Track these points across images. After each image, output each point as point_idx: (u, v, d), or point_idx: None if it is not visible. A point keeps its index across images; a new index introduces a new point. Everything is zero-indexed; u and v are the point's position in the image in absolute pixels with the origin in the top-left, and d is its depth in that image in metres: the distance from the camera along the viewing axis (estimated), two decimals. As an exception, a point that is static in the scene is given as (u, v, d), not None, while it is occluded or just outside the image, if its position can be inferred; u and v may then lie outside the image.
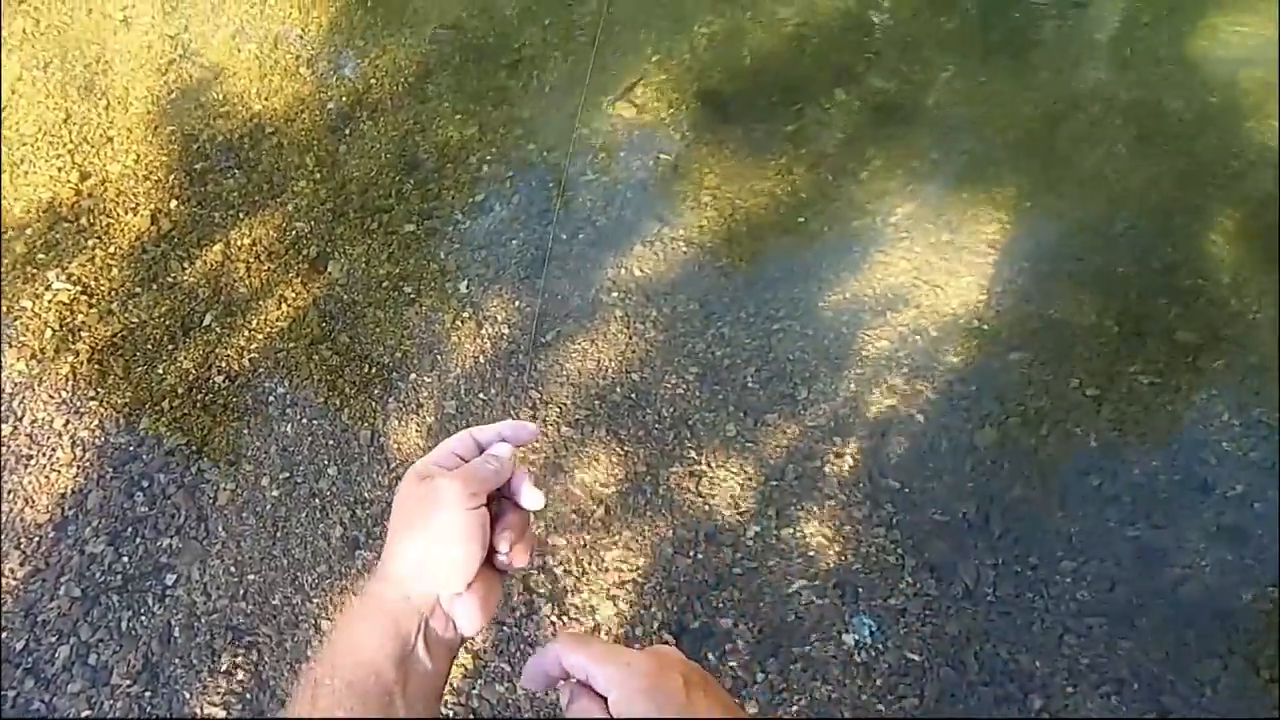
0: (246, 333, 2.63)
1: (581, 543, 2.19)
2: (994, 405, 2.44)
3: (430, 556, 0.63)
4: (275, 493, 2.28)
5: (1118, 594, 2.12)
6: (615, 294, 2.65)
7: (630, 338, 2.55)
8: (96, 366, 2.54)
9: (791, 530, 2.23)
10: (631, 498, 2.26)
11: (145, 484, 2.26)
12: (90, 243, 2.82)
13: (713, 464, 2.32)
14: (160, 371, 2.52)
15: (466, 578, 0.63)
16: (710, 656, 2.01)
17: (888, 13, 3.37)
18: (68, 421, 2.42)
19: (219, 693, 1.96)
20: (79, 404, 2.46)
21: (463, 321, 2.62)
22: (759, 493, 2.28)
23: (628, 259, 2.72)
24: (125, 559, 2.13)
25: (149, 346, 2.58)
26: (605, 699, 0.55)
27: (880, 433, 2.39)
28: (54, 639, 2.00)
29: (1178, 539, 2.20)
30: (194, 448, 2.34)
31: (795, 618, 2.09)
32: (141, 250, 2.81)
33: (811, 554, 2.19)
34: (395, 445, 2.38)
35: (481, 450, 0.69)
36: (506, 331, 2.59)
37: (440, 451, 0.68)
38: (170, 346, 2.58)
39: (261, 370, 2.55)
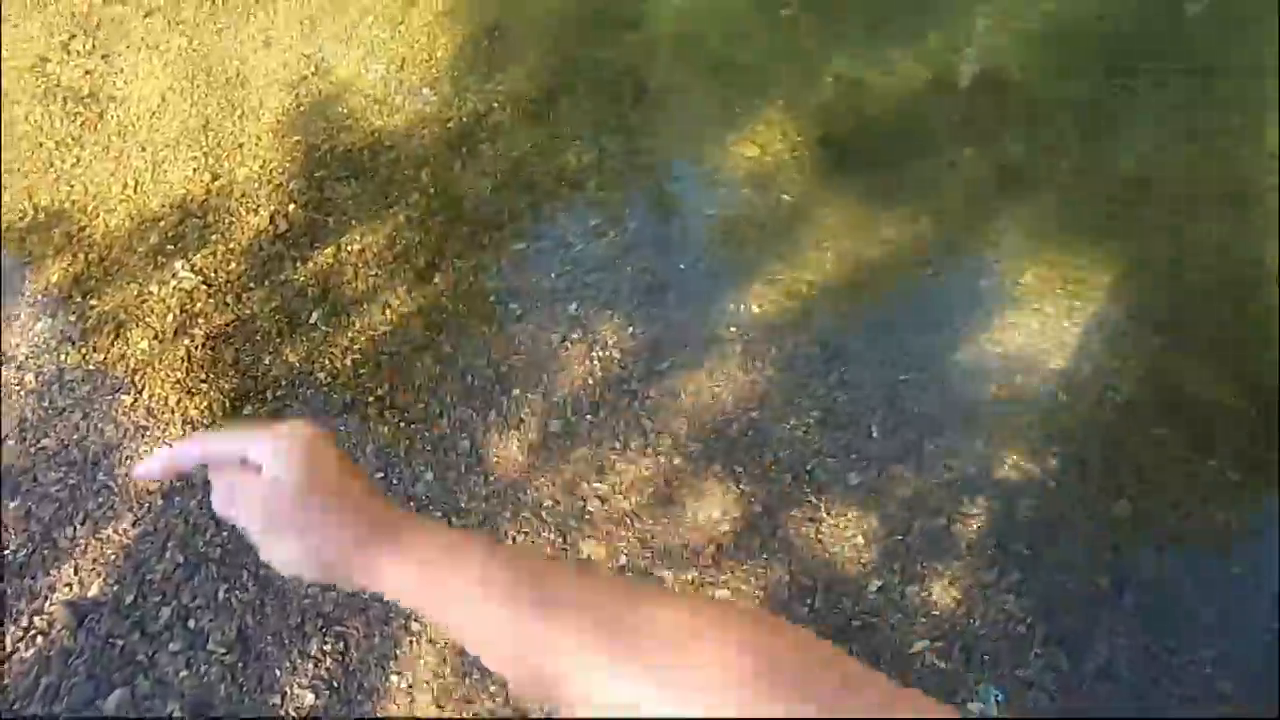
0: (351, 334, 2.59)
1: (690, 578, 2.04)
2: (1129, 479, 2.27)
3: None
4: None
5: (1260, 689, 1.92)
6: (733, 328, 2.55)
7: (748, 374, 2.44)
8: (210, 352, 2.54)
9: (916, 588, 2.06)
10: (746, 538, 2.11)
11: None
12: (214, 238, 2.87)
13: (833, 512, 2.17)
14: (267, 363, 2.49)
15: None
16: None
17: (1020, 73, 3.33)
18: (180, 400, 2.42)
19: (307, 675, 1.90)
20: (192, 385, 2.45)
21: (571, 343, 2.55)
22: (882, 546, 2.12)
23: (747, 295, 2.64)
24: (225, 533, 2.08)
25: (258, 338, 2.57)
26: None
27: (1009, 496, 2.23)
28: (158, 599, 2.00)
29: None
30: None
31: (917, 679, 1.93)
32: (259, 248, 2.84)
33: (936, 614, 2.02)
34: (495, 458, 2.28)
35: None
36: (618, 356, 2.50)
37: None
38: (278, 340, 2.56)
39: (363, 371, 2.49)
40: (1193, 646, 1.97)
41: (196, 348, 2.54)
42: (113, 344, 2.58)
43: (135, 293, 2.73)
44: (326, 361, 2.50)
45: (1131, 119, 3.16)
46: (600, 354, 2.51)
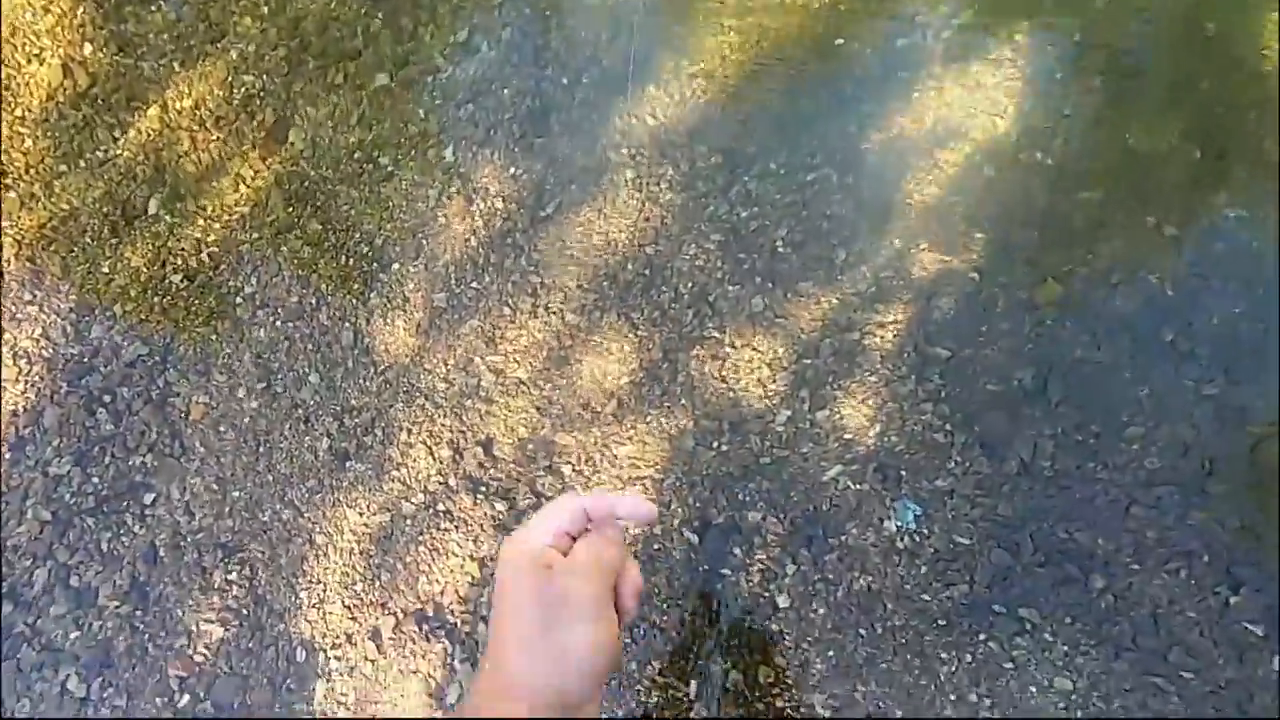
0: (201, 222, 2.29)
1: (592, 440, 1.97)
2: (1058, 255, 2.12)
3: (566, 671, 0.56)
4: (254, 404, 2.05)
5: (1190, 459, 1.91)
6: (625, 150, 2.25)
7: (643, 203, 2.20)
8: (28, 264, 2.21)
9: (827, 412, 1.99)
10: (647, 388, 2.01)
11: (107, 399, 2.03)
12: None
13: (738, 344, 2.05)
14: (106, 270, 2.21)
15: (601, 686, 0.58)
16: (737, 551, 1.85)
17: None
18: (2, 331, 2.14)
19: (213, 609, 1.86)
20: (15, 309, 2.15)
21: (450, 197, 2.26)
22: (791, 373, 2.02)
23: (640, 106, 2.30)
24: (95, 480, 1.95)
25: (88, 240, 2.25)
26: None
27: (928, 295, 2.10)
28: (28, 563, 1.88)
29: (1262, 396, 1.94)
30: (156, 358, 2.09)
31: (831, 506, 1.92)
32: (59, 115, 2.36)
33: (849, 437, 1.98)
34: (382, 346, 2.12)
35: (588, 521, 0.63)
36: (501, 206, 2.24)
37: (548, 525, 0.61)
38: (113, 240, 2.25)
39: (224, 267, 2.23)
40: (1118, 428, 1.93)
41: (8, 261, 2.20)
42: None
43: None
44: (179, 261, 2.24)
45: None
46: (481, 206, 2.24)
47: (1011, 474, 1.93)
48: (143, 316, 2.15)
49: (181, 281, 2.20)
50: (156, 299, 2.18)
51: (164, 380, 2.06)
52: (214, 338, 2.12)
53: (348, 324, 2.13)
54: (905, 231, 2.14)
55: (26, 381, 2.07)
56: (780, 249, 2.13)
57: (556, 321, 2.08)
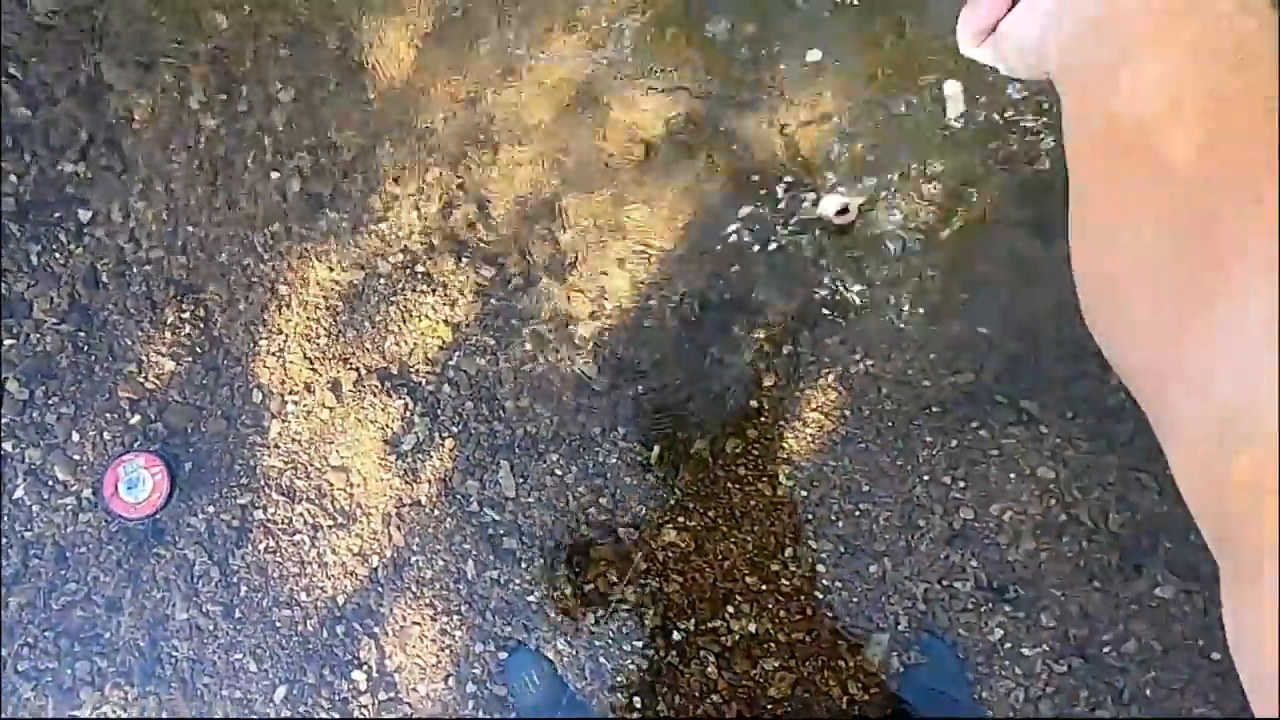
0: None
1: (601, 201, 1.59)
2: None
3: None
4: (211, 122, 1.61)
5: None
6: None
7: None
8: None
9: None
10: (679, 145, 1.61)
11: (18, 76, 1.59)
12: None
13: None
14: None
15: None
16: (735, 330, 1.62)
17: None
18: None
19: (165, 344, 1.61)
20: None
21: None
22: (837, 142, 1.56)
23: None
24: (15, 181, 1.58)
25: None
26: None
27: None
28: None
29: None
30: (83, 30, 1.61)
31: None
32: None
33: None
34: (375, 63, 1.62)
35: None
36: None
37: None
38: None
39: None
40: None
41: None
42: None
43: None
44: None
45: None
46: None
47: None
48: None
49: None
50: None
51: (94, 64, 1.60)
52: (160, 18, 1.62)
53: (337, 26, 1.63)
54: None
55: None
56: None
57: (589, 50, 1.58)
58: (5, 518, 1.56)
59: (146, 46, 1.63)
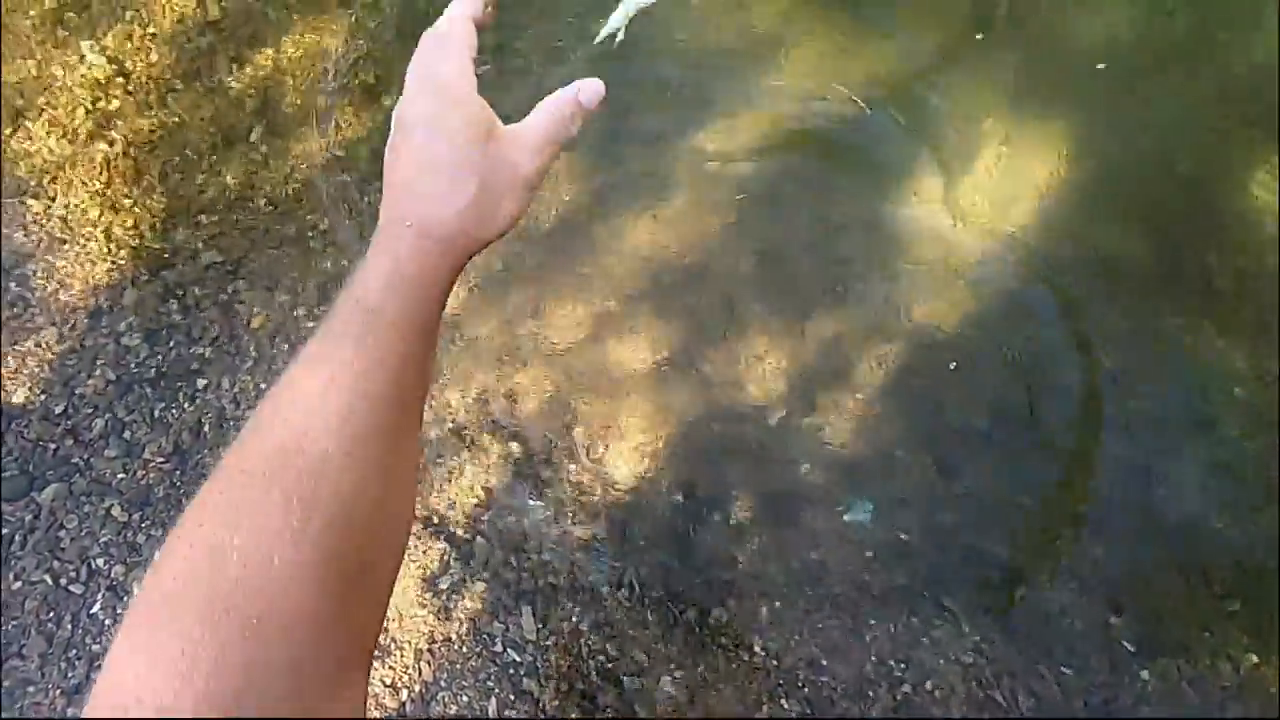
0: (294, 159, 2.48)
1: (606, 408, 2.18)
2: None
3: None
4: (310, 325, 2.21)
5: None
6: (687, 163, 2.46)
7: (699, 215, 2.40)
8: (132, 163, 2.40)
9: (813, 420, 2.20)
10: (666, 372, 2.25)
11: (179, 293, 2.20)
12: (128, 15, 2.56)
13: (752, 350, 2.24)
14: (199, 183, 2.39)
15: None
16: (715, 516, 2.06)
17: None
18: (101, 213, 2.31)
19: None
20: (115, 199, 2.34)
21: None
22: (791, 383, 2.21)
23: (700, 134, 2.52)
24: (159, 357, 2.11)
25: (188, 152, 2.44)
26: None
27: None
28: (90, 410, 2.05)
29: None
30: (230, 268, 2.25)
31: (799, 492, 2.13)
32: (185, 38, 2.58)
33: (826, 442, 2.19)
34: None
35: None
36: (567, 199, 2.43)
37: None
38: (212, 157, 2.44)
39: (306, 202, 2.42)
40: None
41: (116, 156, 2.38)
42: (12, 135, 2.37)
43: (33, 71, 2.45)
44: (267, 188, 2.42)
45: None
46: (547, 195, 2.44)
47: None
48: (224, 230, 2.32)
49: (265, 206, 2.38)
50: (239, 217, 2.35)
51: (233, 288, 2.22)
52: (285, 261, 2.28)
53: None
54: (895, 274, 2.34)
55: (113, 262, 2.23)
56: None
57: (598, 303, 2.27)
58: (80, 630, 1.84)
59: (272, 277, 2.26)
